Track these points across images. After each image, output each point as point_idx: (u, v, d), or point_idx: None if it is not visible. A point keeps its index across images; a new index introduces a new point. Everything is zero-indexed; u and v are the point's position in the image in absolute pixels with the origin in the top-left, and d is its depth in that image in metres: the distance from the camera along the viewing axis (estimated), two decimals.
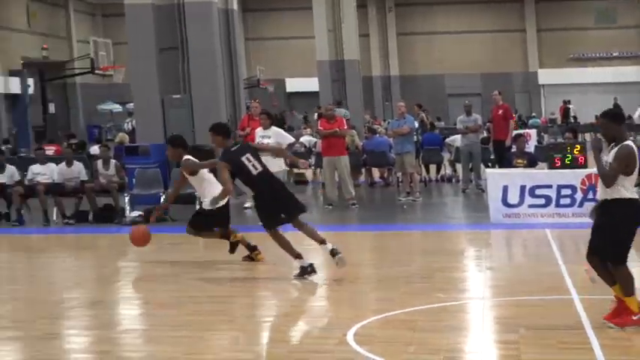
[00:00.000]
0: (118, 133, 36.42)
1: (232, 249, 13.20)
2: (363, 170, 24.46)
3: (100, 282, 12.60)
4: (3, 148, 30.25)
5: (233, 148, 12.12)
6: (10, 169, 19.40)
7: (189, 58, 20.48)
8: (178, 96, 20.37)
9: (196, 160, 13.22)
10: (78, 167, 19.03)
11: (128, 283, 12.76)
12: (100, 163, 19.02)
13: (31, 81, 47.17)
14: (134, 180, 19.11)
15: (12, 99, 46.59)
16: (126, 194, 18.74)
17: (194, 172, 13.03)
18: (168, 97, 20.34)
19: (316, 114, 34.77)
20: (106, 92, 52.00)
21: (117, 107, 51.78)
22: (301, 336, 9.20)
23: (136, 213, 17.97)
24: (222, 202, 12.49)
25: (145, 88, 20.43)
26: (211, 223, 13.10)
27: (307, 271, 11.61)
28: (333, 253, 11.59)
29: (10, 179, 19.12)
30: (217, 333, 9.06)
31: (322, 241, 11.77)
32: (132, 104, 28.20)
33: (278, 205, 11.84)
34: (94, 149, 25.62)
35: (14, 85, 46.20)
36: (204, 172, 13.16)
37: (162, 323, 9.64)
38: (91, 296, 11.51)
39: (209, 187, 13.05)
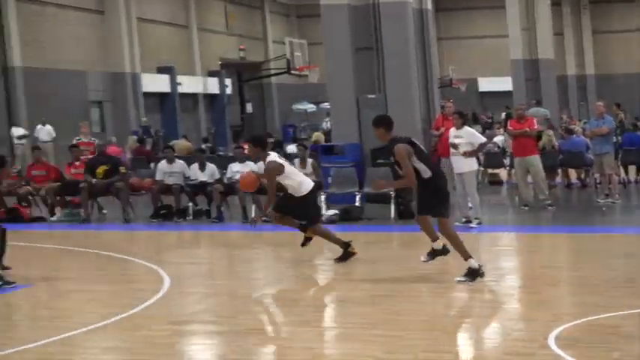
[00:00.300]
0: (312, 132, 37.05)
1: (305, 242, 13.44)
2: (560, 171, 23.96)
3: (297, 279, 12.77)
4: (203, 146, 31.18)
5: (400, 137, 11.90)
6: (211, 167, 19.95)
7: (384, 58, 20.52)
8: (373, 96, 20.42)
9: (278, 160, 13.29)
10: None
11: (325, 280, 12.94)
12: (297, 162, 19.27)
13: (228, 81, 48.65)
14: (329, 179, 19.32)
15: (210, 99, 48.09)
16: (322, 193, 18.95)
17: (280, 173, 13.10)
18: (363, 97, 20.43)
19: (504, 114, 34.36)
20: (300, 92, 52.90)
21: (311, 107, 52.67)
22: (500, 338, 9.03)
23: (331, 211, 18.19)
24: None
25: (340, 88, 20.58)
26: (294, 210, 13.24)
27: (479, 273, 11.35)
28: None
29: (211, 177, 19.67)
30: (414, 332, 8.99)
31: (436, 238, 11.68)
32: (326, 104, 28.54)
33: (444, 196, 11.70)
34: (291, 148, 26.04)
35: (213, 86, 47.68)
36: (289, 171, 13.23)
37: (358, 321, 9.66)
38: (289, 293, 11.72)
39: (300, 181, 13.17)
